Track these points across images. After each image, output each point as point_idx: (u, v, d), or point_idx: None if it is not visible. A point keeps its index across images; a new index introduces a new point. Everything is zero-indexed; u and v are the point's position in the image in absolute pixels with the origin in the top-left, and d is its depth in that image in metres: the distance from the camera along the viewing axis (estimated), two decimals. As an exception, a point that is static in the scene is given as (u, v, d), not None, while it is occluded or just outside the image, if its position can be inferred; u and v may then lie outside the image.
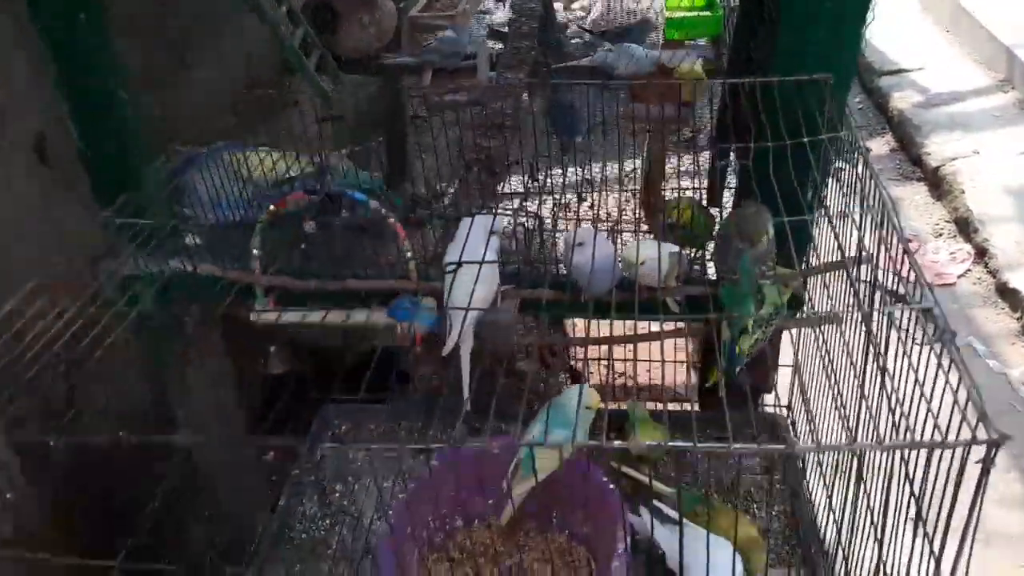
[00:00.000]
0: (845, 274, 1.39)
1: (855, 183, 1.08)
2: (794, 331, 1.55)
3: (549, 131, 1.93)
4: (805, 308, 1.41)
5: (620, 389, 2.12)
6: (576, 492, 1.32)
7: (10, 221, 1.33)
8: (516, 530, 1.39)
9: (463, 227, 1.21)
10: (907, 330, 0.87)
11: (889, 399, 0.84)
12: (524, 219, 1.47)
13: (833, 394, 1.10)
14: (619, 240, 1.30)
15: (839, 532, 1.22)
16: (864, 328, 0.95)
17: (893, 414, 0.83)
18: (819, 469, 1.37)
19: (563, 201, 1.70)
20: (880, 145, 4.28)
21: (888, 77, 4.55)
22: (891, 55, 4.65)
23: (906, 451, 0.77)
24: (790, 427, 1.59)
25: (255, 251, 1.28)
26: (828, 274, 1.39)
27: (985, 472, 0.70)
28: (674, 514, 1.30)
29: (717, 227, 1.28)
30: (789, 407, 1.62)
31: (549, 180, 1.68)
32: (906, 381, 0.82)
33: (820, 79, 1.20)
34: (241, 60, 2.15)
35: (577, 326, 2.25)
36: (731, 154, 1.12)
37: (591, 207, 1.69)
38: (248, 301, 1.38)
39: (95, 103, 1.44)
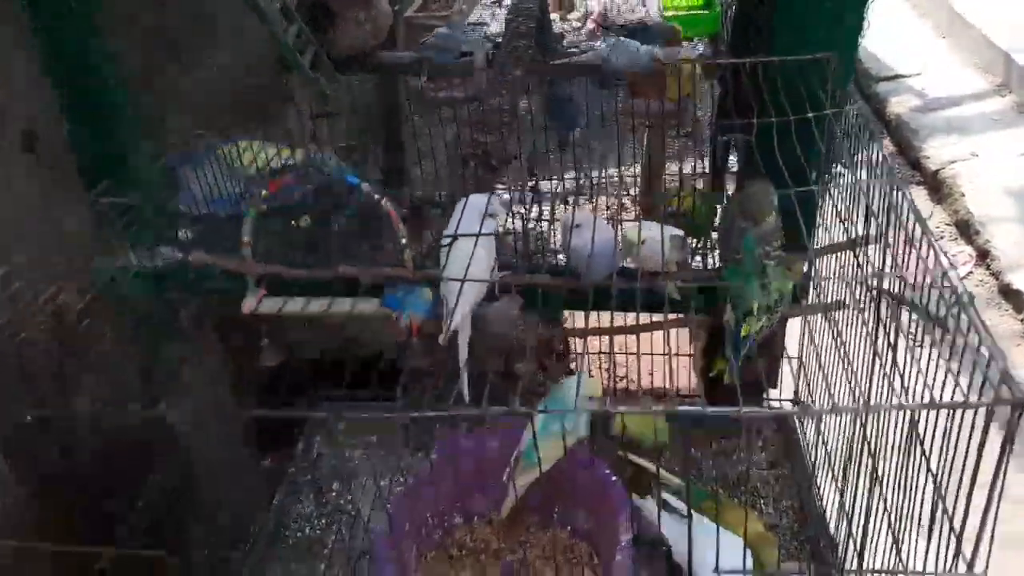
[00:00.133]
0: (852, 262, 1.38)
1: (861, 156, 1.06)
2: (799, 325, 1.54)
3: (547, 126, 1.91)
4: (811, 295, 1.38)
5: (622, 391, 2.09)
6: (579, 485, 1.29)
7: (9, 221, 1.30)
8: (517, 526, 1.36)
9: (459, 207, 1.18)
10: (920, 299, 0.85)
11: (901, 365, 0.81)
12: (521, 210, 1.44)
13: (843, 363, 1.06)
14: (619, 229, 1.26)
15: (849, 523, 1.18)
16: (874, 296, 0.92)
17: (905, 379, 0.80)
18: (827, 461, 1.34)
19: (561, 191, 1.67)
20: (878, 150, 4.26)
21: (885, 83, 4.54)
22: (888, 60, 4.65)
23: (925, 413, 0.74)
24: (796, 420, 1.56)
25: (245, 237, 1.25)
26: (833, 266, 1.37)
27: (1009, 439, 0.67)
28: (681, 506, 1.27)
29: (720, 210, 1.25)
30: (795, 400, 1.59)
31: (549, 179, 1.66)
32: (922, 346, 0.79)
33: (822, 58, 1.18)
34: (237, 58, 2.12)
35: (577, 323, 2.21)
36: (732, 136, 1.09)
37: (590, 200, 1.67)
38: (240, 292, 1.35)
39: (87, 98, 1.41)
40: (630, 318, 1.42)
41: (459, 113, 1.97)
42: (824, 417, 1.38)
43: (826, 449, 1.32)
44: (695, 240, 1.48)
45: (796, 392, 1.59)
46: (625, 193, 1.81)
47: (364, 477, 1.55)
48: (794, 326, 1.58)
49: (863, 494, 1.00)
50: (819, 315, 1.37)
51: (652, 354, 1.69)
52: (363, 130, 2.14)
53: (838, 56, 1.17)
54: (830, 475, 1.30)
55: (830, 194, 1.19)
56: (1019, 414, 0.64)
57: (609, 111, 1.94)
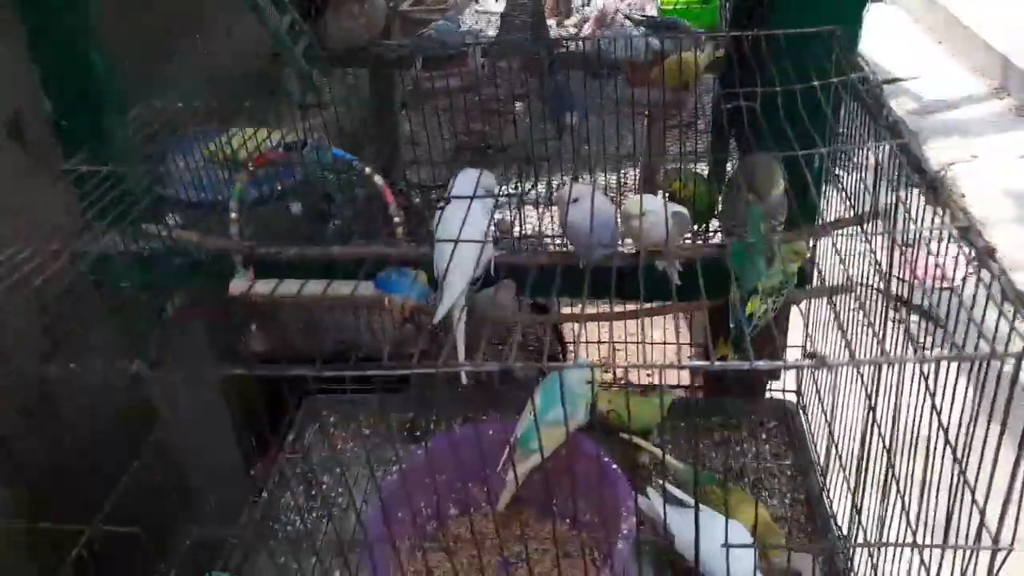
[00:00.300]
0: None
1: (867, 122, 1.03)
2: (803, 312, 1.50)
3: (545, 114, 1.88)
4: (814, 278, 1.34)
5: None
6: (579, 475, 1.24)
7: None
8: (516, 518, 1.31)
9: (452, 182, 1.14)
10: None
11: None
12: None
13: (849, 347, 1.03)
14: (619, 203, 1.22)
15: (859, 512, 1.14)
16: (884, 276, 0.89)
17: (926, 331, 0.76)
18: (834, 450, 1.29)
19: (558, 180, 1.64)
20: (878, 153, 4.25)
21: (883, 86, 4.53)
22: (886, 65, 4.64)
23: (951, 366, 0.71)
24: (800, 412, 1.52)
25: (233, 214, 1.21)
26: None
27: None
28: (684, 497, 1.23)
29: (724, 184, 1.21)
30: (798, 391, 1.55)
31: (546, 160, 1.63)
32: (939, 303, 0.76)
33: (827, 31, 1.14)
34: (229, 46, 2.09)
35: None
36: (735, 104, 1.05)
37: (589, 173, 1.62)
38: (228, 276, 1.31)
39: (70, 75, 1.38)
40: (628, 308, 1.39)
41: (455, 102, 1.94)
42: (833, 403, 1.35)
43: (831, 431, 1.28)
44: (696, 226, 1.45)
45: (799, 383, 1.56)
46: (624, 173, 1.78)
47: (357, 469, 1.50)
48: (797, 320, 1.55)
49: (877, 472, 0.96)
50: (824, 300, 1.34)
51: (652, 343, 1.65)
52: (356, 118, 2.10)
53: (843, 29, 1.14)
54: (837, 461, 1.25)
55: (835, 172, 1.16)
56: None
57: (608, 100, 1.91)
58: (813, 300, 1.44)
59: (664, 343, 1.83)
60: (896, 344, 0.97)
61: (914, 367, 0.91)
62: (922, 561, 0.89)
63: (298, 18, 2.15)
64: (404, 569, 1.19)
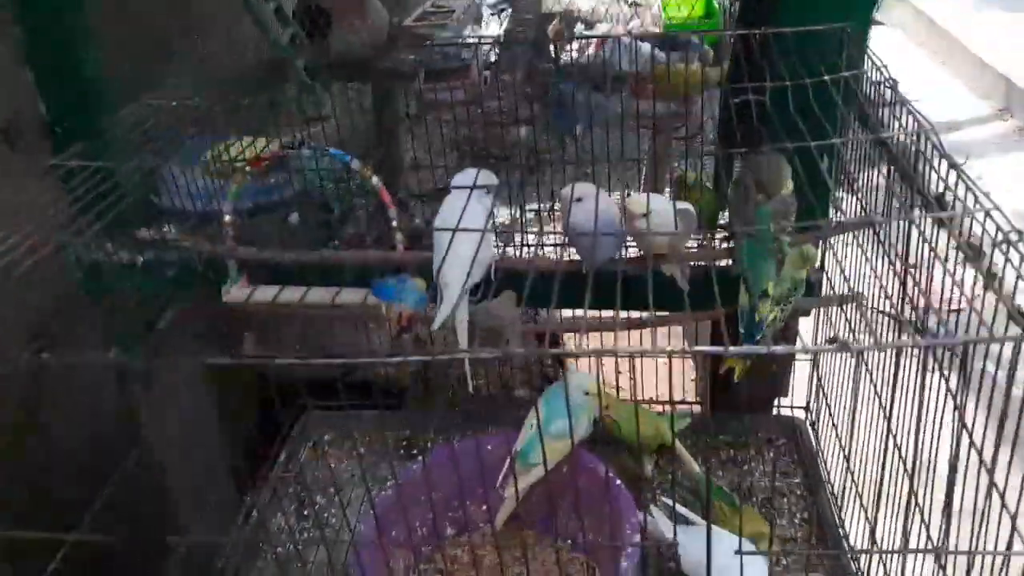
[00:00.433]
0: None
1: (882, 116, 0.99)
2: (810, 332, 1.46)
3: (550, 124, 1.86)
4: (824, 286, 1.31)
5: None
6: (580, 492, 1.19)
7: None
8: (515, 538, 1.25)
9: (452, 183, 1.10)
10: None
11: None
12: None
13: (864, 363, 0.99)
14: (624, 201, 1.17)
15: (872, 532, 1.09)
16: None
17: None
18: (846, 464, 1.24)
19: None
20: (880, 175, 4.23)
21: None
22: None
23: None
24: (809, 428, 1.47)
25: (227, 217, 1.18)
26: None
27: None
28: (692, 516, 1.17)
29: (731, 184, 1.17)
30: (807, 408, 1.50)
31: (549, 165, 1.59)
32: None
33: (837, 28, 1.11)
34: (230, 57, 2.08)
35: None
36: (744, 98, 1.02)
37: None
38: (222, 284, 1.27)
39: (65, 76, 1.35)
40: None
41: (457, 114, 1.91)
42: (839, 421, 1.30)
43: (840, 444, 1.23)
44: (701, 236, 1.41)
45: (808, 399, 1.51)
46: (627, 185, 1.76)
47: (351, 489, 1.45)
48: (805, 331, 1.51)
49: (895, 492, 0.91)
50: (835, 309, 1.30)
51: (656, 353, 1.59)
52: (358, 130, 2.08)
53: (853, 27, 1.11)
54: (850, 477, 1.20)
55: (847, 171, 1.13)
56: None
57: (613, 113, 1.89)
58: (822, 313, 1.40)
59: (668, 357, 1.78)
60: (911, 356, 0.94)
61: (933, 372, 0.87)
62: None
63: (300, 31, 2.14)
64: (398, 591, 1.13)
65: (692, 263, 1.33)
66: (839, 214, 1.15)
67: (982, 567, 0.77)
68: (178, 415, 1.47)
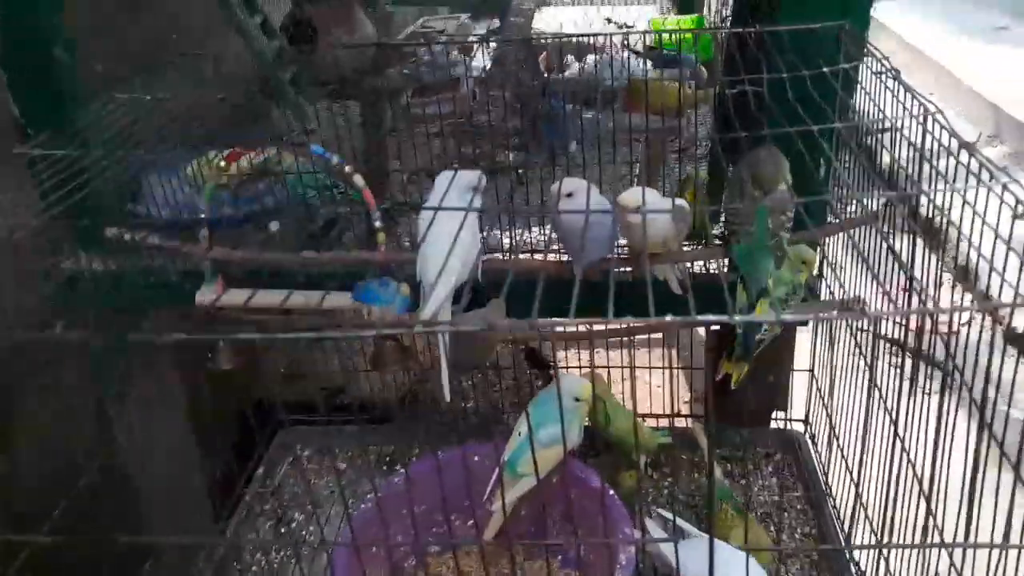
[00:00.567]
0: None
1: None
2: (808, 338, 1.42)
3: (541, 139, 1.83)
4: (823, 290, 1.26)
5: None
6: (571, 504, 1.14)
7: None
8: (503, 555, 1.19)
9: (439, 181, 1.06)
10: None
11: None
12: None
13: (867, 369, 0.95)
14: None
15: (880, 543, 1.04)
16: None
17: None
18: (847, 476, 1.19)
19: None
20: (873, 201, 4.23)
21: (876, 135, 4.53)
22: (877, 115, 4.65)
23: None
24: (808, 441, 1.42)
25: (203, 215, 1.13)
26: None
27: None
28: (691, 528, 1.12)
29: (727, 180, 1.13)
30: (806, 420, 1.45)
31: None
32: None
33: (835, 27, 1.09)
34: (217, 73, 2.04)
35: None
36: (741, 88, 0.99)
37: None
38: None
39: (39, 81, 1.31)
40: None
41: (444, 129, 1.88)
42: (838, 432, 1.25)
43: (844, 457, 1.18)
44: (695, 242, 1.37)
45: (807, 413, 1.46)
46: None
47: (331, 506, 1.39)
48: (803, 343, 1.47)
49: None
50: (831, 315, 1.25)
51: (650, 367, 1.55)
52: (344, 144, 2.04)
53: (852, 22, 1.08)
54: (853, 491, 1.15)
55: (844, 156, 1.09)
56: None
57: (604, 128, 1.87)
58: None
59: (661, 367, 1.73)
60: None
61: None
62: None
63: (287, 45, 2.11)
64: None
65: (688, 265, 1.30)
66: (840, 206, 1.12)
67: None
68: (151, 427, 1.41)
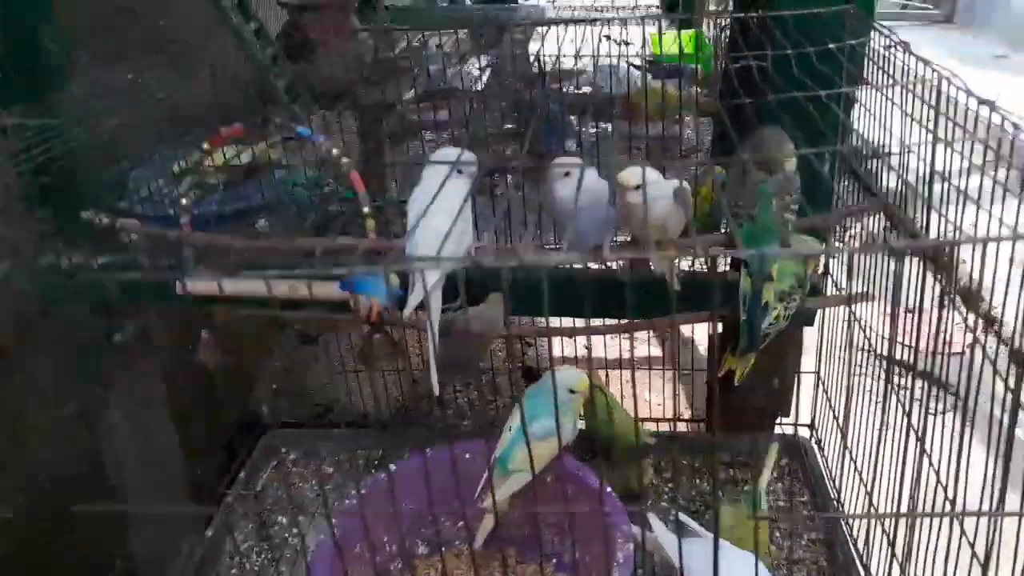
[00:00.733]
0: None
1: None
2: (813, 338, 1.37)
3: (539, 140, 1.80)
4: (829, 285, 1.22)
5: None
6: (566, 503, 1.08)
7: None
8: (493, 557, 1.13)
9: (427, 165, 1.02)
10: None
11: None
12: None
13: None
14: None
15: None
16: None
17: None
18: (857, 478, 1.14)
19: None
20: (873, 224, 4.20)
21: (875, 160, 4.53)
22: (876, 141, 4.65)
23: None
24: (815, 447, 1.37)
25: (184, 201, 1.09)
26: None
27: None
28: (697, 527, 1.06)
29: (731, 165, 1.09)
30: (812, 426, 1.40)
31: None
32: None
33: (841, 10, 1.06)
34: (211, 81, 2.02)
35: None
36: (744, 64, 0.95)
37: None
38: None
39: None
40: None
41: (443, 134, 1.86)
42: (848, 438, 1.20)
43: (853, 460, 1.13)
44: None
45: (813, 418, 1.41)
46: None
47: (316, 510, 1.33)
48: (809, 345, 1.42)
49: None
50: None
51: (650, 368, 1.50)
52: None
53: (858, 5, 1.05)
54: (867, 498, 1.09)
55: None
56: None
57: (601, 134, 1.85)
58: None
59: (661, 369, 1.69)
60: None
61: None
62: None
63: (281, 53, 2.10)
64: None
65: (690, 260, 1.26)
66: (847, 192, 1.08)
67: None
68: (132, 429, 1.35)
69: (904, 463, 0.91)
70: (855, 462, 1.18)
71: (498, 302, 1.15)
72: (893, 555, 0.94)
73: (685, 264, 1.30)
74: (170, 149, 1.55)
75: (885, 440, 0.98)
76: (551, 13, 3.37)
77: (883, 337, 0.99)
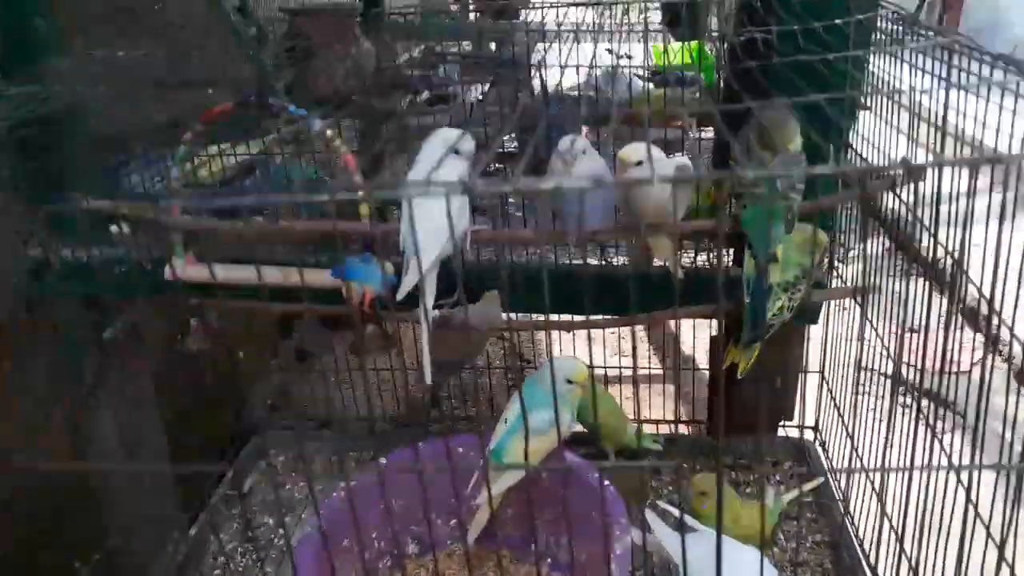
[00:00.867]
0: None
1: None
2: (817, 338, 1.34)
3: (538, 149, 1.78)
4: (834, 278, 1.19)
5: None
6: (563, 501, 1.04)
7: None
8: (487, 558, 1.09)
9: (425, 144, 0.99)
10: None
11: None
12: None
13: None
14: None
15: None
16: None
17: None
18: (864, 477, 1.10)
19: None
20: (875, 246, 4.18)
21: (877, 181, 4.52)
22: (876, 161, 4.65)
23: None
24: (820, 449, 1.33)
25: (175, 181, 1.06)
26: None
27: None
28: (697, 524, 1.02)
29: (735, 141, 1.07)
30: (816, 428, 1.36)
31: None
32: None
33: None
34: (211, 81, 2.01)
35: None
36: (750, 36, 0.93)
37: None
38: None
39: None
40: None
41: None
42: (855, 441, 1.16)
43: (862, 464, 1.09)
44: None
45: (817, 419, 1.37)
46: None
47: (304, 509, 1.29)
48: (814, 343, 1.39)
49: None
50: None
51: (650, 368, 1.46)
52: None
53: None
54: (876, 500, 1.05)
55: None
56: None
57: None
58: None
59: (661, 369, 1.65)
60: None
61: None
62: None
63: (281, 55, 2.09)
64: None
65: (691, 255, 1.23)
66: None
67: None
68: (119, 427, 1.31)
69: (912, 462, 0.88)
70: (860, 458, 1.14)
71: (495, 299, 1.12)
72: (901, 551, 0.90)
73: (687, 259, 1.27)
74: (163, 147, 1.54)
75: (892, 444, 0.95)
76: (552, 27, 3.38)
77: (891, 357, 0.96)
